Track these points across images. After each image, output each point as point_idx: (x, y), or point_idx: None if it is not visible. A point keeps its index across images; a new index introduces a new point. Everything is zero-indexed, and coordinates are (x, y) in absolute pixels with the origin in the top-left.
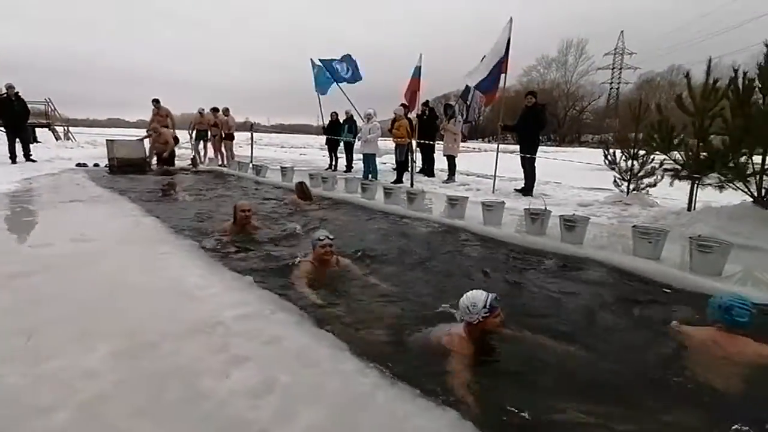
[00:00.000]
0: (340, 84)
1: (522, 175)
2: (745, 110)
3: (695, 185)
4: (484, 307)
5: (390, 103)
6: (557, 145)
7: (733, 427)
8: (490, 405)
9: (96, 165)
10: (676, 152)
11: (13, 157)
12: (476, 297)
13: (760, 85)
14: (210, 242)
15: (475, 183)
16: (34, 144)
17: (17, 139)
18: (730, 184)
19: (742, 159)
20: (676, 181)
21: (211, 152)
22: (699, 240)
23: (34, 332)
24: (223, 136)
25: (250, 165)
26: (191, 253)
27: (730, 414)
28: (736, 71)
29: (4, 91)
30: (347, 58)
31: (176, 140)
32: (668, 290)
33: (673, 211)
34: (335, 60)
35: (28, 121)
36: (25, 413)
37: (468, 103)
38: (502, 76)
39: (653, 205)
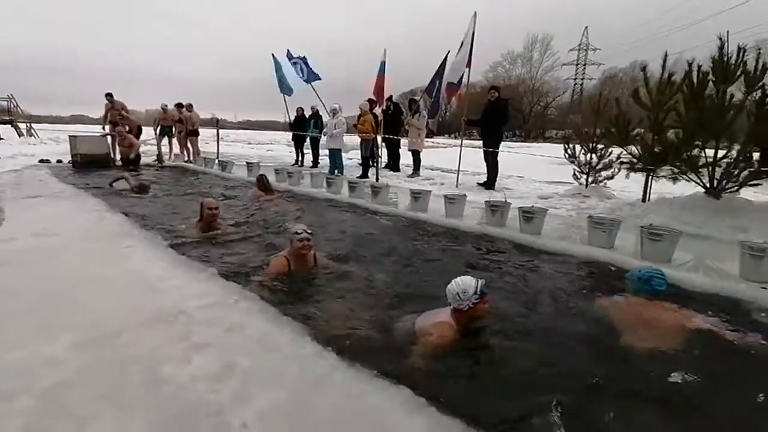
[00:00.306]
0: (311, 83)
1: (485, 170)
2: (699, 104)
3: (650, 177)
4: (475, 293)
5: (354, 99)
6: (522, 141)
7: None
8: (449, 386)
9: (59, 161)
10: (632, 146)
11: None
12: (466, 283)
13: (713, 79)
14: (176, 239)
15: (440, 177)
16: None
17: None
18: (683, 176)
19: (695, 151)
20: (632, 174)
21: (176, 148)
22: (650, 229)
23: None
24: (188, 132)
25: (216, 161)
26: (154, 247)
27: (664, 371)
28: (690, 65)
29: None
30: (301, 60)
31: (139, 129)
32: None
33: (628, 202)
34: (293, 61)
35: None
36: None
37: (432, 98)
38: (466, 70)
39: (610, 197)
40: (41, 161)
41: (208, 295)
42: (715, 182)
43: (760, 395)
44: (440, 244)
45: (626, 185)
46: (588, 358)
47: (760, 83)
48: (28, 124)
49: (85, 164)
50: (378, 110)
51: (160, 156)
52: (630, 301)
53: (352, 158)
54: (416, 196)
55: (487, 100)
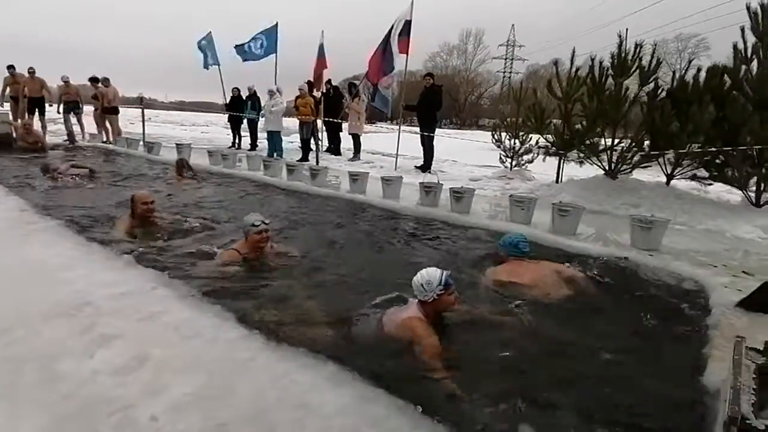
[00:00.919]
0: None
1: (422, 153)
2: (599, 96)
3: (561, 161)
4: (439, 284)
5: (292, 82)
6: (458, 128)
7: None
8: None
9: None
10: (548, 133)
11: None
12: (431, 274)
13: (612, 73)
14: (102, 238)
15: (379, 161)
16: None
17: None
18: (587, 160)
19: (596, 138)
20: (548, 158)
21: (92, 128)
22: (559, 206)
23: None
24: (104, 109)
25: (141, 142)
26: (58, 234)
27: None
28: (593, 60)
29: None
30: (269, 33)
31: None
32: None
33: (545, 183)
34: (255, 36)
35: None
36: None
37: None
38: (403, 57)
39: (531, 179)
40: None
41: (121, 283)
42: (612, 165)
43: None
44: (377, 224)
45: (544, 168)
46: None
47: (653, 77)
48: None
49: None
50: (317, 93)
51: (71, 135)
52: (512, 264)
53: (292, 141)
54: (355, 178)
55: (423, 87)
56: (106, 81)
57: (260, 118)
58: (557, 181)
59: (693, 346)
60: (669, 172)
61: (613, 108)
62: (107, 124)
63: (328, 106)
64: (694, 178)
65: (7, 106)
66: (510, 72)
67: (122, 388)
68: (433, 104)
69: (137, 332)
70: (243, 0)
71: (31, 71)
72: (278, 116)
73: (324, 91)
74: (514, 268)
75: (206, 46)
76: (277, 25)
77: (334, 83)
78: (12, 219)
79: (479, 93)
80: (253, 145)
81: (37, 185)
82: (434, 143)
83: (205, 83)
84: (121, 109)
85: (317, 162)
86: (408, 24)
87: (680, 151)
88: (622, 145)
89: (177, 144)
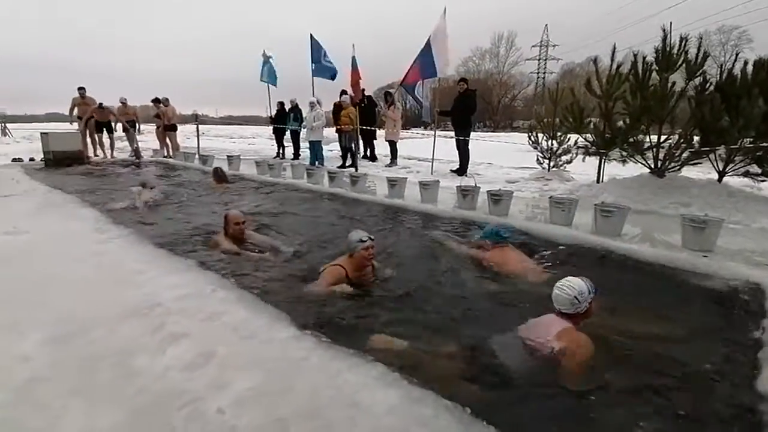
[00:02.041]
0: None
1: (458, 157)
2: (643, 92)
3: (602, 160)
4: (590, 293)
5: (323, 92)
6: (492, 131)
7: None
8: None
9: (32, 159)
10: (587, 132)
11: None
12: (580, 285)
13: (657, 68)
14: (226, 262)
15: (416, 166)
16: None
17: None
18: (631, 158)
19: (640, 136)
20: (588, 158)
21: (156, 144)
22: (602, 206)
23: None
24: (165, 126)
25: (196, 156)
26: (129, 242)
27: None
28: (635, 56)
29: None
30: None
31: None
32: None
33: (585, 183)
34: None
35: None
36: None
37: (417, 95)
38: (449, 58)
39: (570, 180)
40: (14, 160)
41: (184, 285)
42: (659, 163)
43: None
44: (417, 227)
45: (584, 168)
46: None
47: (700, 71)
48: (2, 124)
49: (58, 161)
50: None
51: (137, 151)
52: (495, 251)
53: (332, 150)
54: (393, 183)
55: (457, 92)
56: (166, 101)
57: (302, 129)
58: (598, 181)
59: (749, 350)
60: (720, 169)
61: (658, 104)
62: (167, 140)
63: (362, 114)
64: (746, 174)
65: (75, 125)
66: (544, 72)
67: (191, 382)
68: (467, 109)
69: (201, 331)
70: (280, 22)
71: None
72: (320, 128)
73: (358, 101)
74: (497, 254)
75: (267, 65)
76: (312, 36)
77: (366, 93)
78: (89, 229)
79: (512, 95)
80: (296, 155)
81: (108, 197)
82: (469, 147)
83: (250, 98)
84: (178, 126)
85: (356, 169)
86: (443, 32)
87: (732, 146)
88: (670, 141)
89: (228, 156)
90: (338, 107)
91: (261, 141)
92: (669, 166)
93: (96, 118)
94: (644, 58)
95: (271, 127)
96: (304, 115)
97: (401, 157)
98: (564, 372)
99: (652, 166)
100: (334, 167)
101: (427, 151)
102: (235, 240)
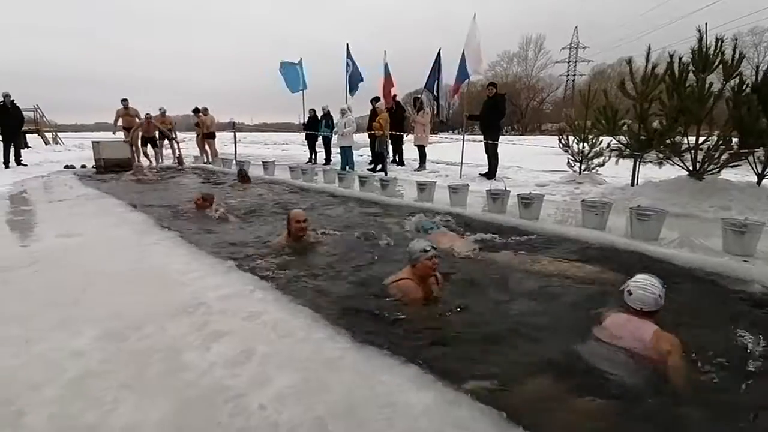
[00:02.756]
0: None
1: (486, 161)
2: (680, 93)
3: (637, 163)
4: (663, 288)
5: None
6: (520, 134)
7: None
8: (450, 359)
9: (83, 166)
10: (620, 134)
11: (6, 162)
12: (657, 284)
13: (693, 69)
14: (263, 262)
15: (444, 170)
16: (25, 149)
17: (11, 145)
18: (668, 160)
19: (678, 137)
20: (621, 160)
21: (196, 151)
22: (638, 210)
23: (25, 319)
24: (204, 134)
25: (234, 161)
26: (175, 243)
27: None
28: (671, 57)
29: (0, 99)
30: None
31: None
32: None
33: (618, 186)
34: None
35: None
36: (18, 390)
37: (433, 93)
38: (478, 65)
39: (602, 183)
40: (66, 167)
41: (226, 286)
42: (698, 165)
43: None
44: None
45: (617, 171)
46: None
47: (737, 72)
48: (54, 133)
49: (108, 168)
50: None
51: (180, 159)
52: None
53: (362, 155)
54: (422, 187)
55: (486, 96)
56: (205, 110)
57: (333, 135)
58: (633, 184)
59: None
60: (760, 171)
61: (696, 105)
62: (206, 147)
63: (392, 120)
64: None
65: (120, 134)
66: (574, 74)
67: (234, 378)
68: (496, 113)
69: (242, 329)
70: (311, 32)
71: (148, 116)
72: (350, 134)
73: (389, 107)
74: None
75: (291, 71)
76: (348, 46)
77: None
78: (137, 231)
79: (541, 98)
80: (327, 160)
81: (155, 201)
82: (498, 150)
83: (283, 106)
84: (216, 134)
85: (385, 173)
86: (475, 36)
87: None
88: (708, 143)
89: (263, 162)
90: (374, 113)
91: (294, 147)
92: (708, 168)
93: (143, 133)
94: (680, 58)
95: (303, 134)
96: (335, 122)
97: (429, 161)
98: (671, 373)
99: (690, 168)
100: (364, 171)
101: (455, 155)
102: (296, 238)
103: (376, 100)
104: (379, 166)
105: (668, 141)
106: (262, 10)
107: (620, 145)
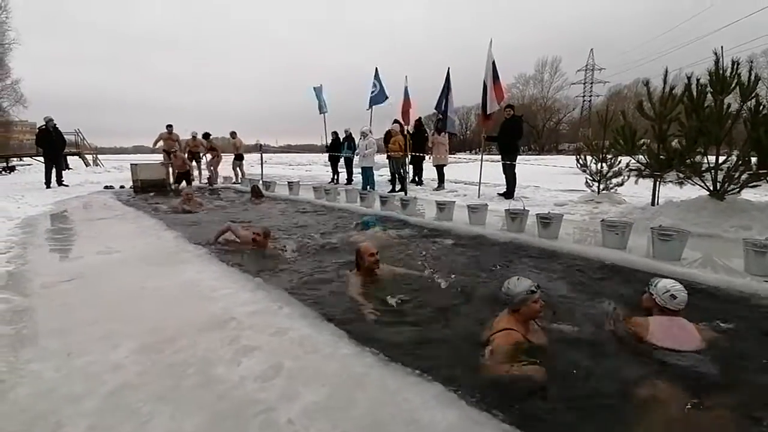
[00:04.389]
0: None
1: (504, 181)
2: (699, 113)
3: (657, 182)
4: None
5: (378, 121)
6: (537, 154)
7: None
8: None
9: (122, 187)
10: (639, 154)
11: (48, 183)
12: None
13: (711, 90)
14: (330, 300)
15: (463, 189)
16: (66, 170)
17: (53, 166)
18: (689, 180)
19: (698, 157)
20: (641, 180)
21: (224, 172)
22: (660, 230)
23: (66, 333)
24: (235, 156)
25: (260, 181)
26: (206, 261)
27: None
28: (689, 78)
29: (44, 123)
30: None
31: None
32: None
33: (638, 206)
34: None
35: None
36: (59, 402)
37: (441, 113)
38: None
39: (621, 202)
40: (106, 187)
41: (254, 302)
42: (718, 185)
43: None
44: (466, 249)
45: (636, 191)
46: None
47: (753, 93)
48: (94, 155)
49: (145, 189)
50: (406, 130)
51: (210, 179)
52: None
53: (382, 175)
54: (441, 207)
55: (503, 118)
56: (233, 134)
57: (355, 156)
58: (653, 204)
59: None
60: None
61: (715, 125)
62: (236, 169)
63: (414, 141)
64: None
65: (159, 156)
66: (590, 95)
67: (264, 392)
68: (513, 134)
69: (270, 345)
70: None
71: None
72: (371, 155)
73: (410, 128)
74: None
75: (319, 94)
76: (377, 69)
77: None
78: (171, 249)
79: (557, 119)
80: (349, 180)
81: (189, 221)
82: (515, 170)
83: (306, 129)
84: (245, 156)
85: (405, 192)
86: (494, 65)
87: None
88: (728, 163)
89: (288, 182)
90: (389, 135)
91: (316, 168)
92: (728, 189)
93: (177, 169)
94: (698, 80)
95: (326, 155)
96: (356, 143)
97: (448, 181)
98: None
99: (711, 188)
100: (385, 191)
101: (473, 175)
102: (369, 272)
103: (396, 122)
104: (398, 186)
105: (688, 161)
106: (282, 33)
107: (640, 165)
